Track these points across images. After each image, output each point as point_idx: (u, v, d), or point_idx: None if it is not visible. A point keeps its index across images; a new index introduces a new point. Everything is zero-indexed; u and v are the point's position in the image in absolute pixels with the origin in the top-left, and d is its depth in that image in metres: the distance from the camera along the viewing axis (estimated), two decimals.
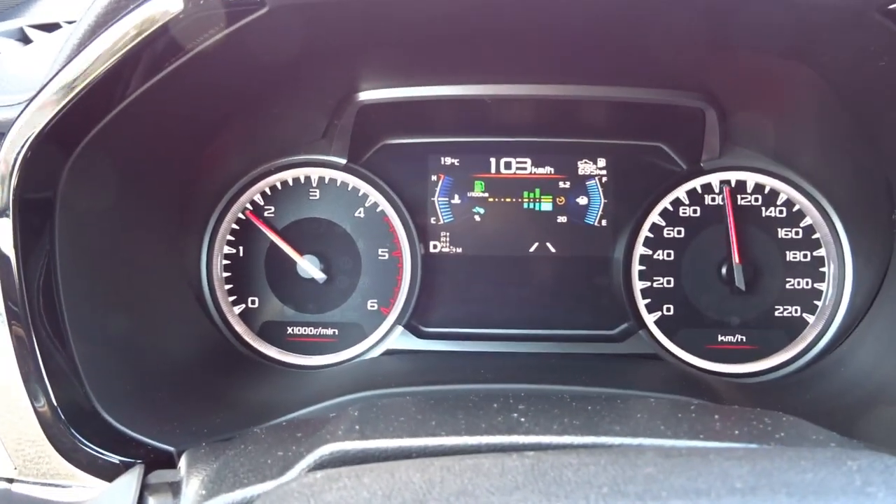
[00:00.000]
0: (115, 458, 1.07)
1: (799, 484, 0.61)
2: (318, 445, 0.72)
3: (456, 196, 1.70)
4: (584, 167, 1.69)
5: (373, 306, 1.68)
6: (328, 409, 1.18)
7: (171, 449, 1.07)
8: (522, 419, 0.76)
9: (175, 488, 0.81)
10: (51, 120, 1.03)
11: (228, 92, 1.34)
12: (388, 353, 1.64)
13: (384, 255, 1.68)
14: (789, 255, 1.64)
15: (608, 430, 0.72)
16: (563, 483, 0.61)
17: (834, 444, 0.73)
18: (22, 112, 1.05)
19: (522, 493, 0.60)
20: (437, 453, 0.70)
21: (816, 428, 0.78)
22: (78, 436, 1.07)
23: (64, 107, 1.02)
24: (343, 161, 1.66)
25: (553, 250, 1.68)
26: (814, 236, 1.63)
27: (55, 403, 1.07)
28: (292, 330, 1.68)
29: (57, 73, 1.03)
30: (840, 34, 1.09)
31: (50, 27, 1.64)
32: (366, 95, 1.52)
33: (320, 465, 0.71)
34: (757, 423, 0.77)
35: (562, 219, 1.69)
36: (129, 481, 0.82)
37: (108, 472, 1.08)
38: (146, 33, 0.98)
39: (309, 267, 1.65)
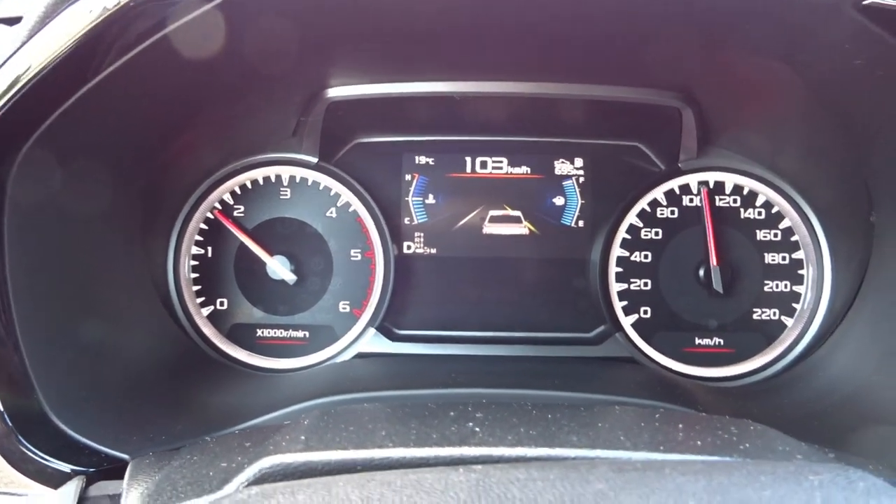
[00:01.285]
0: (65, 467, 1.03)
1: (756, 501, 0.58)
2: (260, 457, 0.68)
3: (430, 196, 1.66)
4: (561, 167, 1.66)
5: (345, 308, 1.64)
6: (292, 415, 1.14)
7: (126, 457, 1.03)
8: (477, 429, 0.73)
9: (115, 501, 0.77)
10: (1, 108, 0.98)
11: (193, 87, 1.30)
12: (360, 356, 1.61)
13: (356, 256, 1.64)
14: (768, 258, 1.62)
15: (564, 442, 0.69)
16: (508, 500, 0.58)
17: (800, 455, 0.70)
18: None
19: None
20: (383, 466, 0.67)
21: (784, 437, 0.75)
22: (26, 443, 1.03)
23: (10, 99, 0.98)
24: (314, 160, 1.63)
25: (529, 252, 1.65)
26: (792, 238, 1.61)
27: (1, 409, 1.02)
28: (262, 332, 1.64)
29: (7, 59, 0.98)
30: (816, 32, 1.06)
31: (12, 21, 1.59)
32: (335, 92, 1.48)
33: (260, 479, 0.67)
34: (722, 432, 0.74)
35: (538, 219, 1.65)
36: (66, 493, 0.78)
37: (59, 482, 1.03)
38: (95, 22, 0.94)
39: (279, 268, 1.61)
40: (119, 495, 0.77)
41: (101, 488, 0.82)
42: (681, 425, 0.76)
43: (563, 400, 1.12)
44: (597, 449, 0.68)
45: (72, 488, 0.79)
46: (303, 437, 0.71)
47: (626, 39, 1.28)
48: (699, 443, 0.71)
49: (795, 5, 1.02)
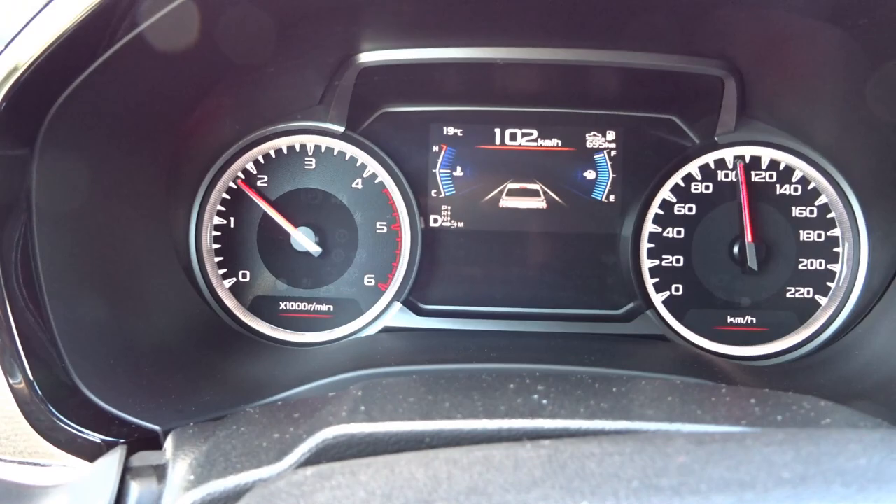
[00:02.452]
0: (96, 437, 1.01)
1: (853, 471, 0.54)
2: (320, 428, 0.65)
3: (458, 168, 1.62)
4: (593, 140, 1.62)
5: (370, 281, 1.61)
6: (325, 387, 1.11)
7: (157, 428, 1.01)
8: (544, 401, 0.70)
9: (160, 472, 0.74)
10: (26, 70, 0.94)
11: (219, 51, 1.25)
12: (386, 330, 1.58)
13: (382, 229, 1.61)
14: (803, 235, 1.58)
15: (641, 415, 0.66)
16: (586, 476, 0.55)
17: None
18: None
19: (541, 490, 0.53)
20: (454, 439, 0.64)
21: (862, 414, 0.72)
22: (56, 413, 1.00)
23: (40, 56, 0.94)
24: (341, 129, 1.58)
25: (558, 227, 1.61)
26: (829, 215, 1.58)
27: (32, 379, 1.00)
28: (285, 305, 1.60)
29: (28, 23, 0.94)
30: None
31: None
32: (367, 57, 1.43)
33: (322, 450, 0.64)
34: (797, 408, 0.71)
35: (568, 193, 1.61)
36: (110, 463, 0.75)
37: (89, 452, 1.01)
38: None
39: (303, 239, 1.57)
40: (163, 466, 0.74)
41: (143, 459, 0.79)
42: (753, 400, 0.73)
43: (612, 376, 1.09)
44: (676, 422, 0.65)
45: (114, 458, 0.76)
46: (363, 408, 0.68)
47: (668, 2, 1.24)
48: (780, 418, 0.68)
49: None
